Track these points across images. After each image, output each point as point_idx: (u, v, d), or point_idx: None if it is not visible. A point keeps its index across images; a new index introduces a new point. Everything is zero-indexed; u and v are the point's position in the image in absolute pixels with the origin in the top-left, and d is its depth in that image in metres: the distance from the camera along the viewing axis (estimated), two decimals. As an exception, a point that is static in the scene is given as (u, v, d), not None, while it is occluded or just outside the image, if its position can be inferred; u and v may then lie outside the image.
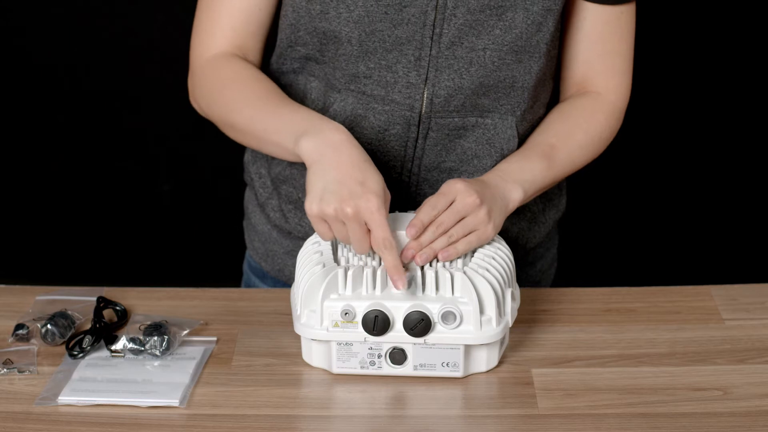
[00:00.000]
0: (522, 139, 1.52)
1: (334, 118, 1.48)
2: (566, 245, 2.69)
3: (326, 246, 1.38)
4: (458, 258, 1.35)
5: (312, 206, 1.31)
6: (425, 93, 1.45)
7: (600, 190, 2.65)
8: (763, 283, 1.55)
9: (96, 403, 1.29)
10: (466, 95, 1.46)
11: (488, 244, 1.38)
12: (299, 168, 1.55)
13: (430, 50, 1.43)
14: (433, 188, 1.51)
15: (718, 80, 2.55)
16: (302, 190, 1.56)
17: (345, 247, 1.39)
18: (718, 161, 2.63)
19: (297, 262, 1.39)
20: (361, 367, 1.33)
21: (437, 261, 1.34)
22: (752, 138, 2.61)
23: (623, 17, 1.50)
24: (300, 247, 1.43)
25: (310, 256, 1.37)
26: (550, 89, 1.55)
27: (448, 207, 1.35)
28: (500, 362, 1.37)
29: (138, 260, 2.62)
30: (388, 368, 1.33)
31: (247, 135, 1.46)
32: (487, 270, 1.34)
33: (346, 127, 1.41)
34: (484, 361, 1.35)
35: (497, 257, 1.37)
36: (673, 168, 2.64)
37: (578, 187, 2.64)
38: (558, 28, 1.49)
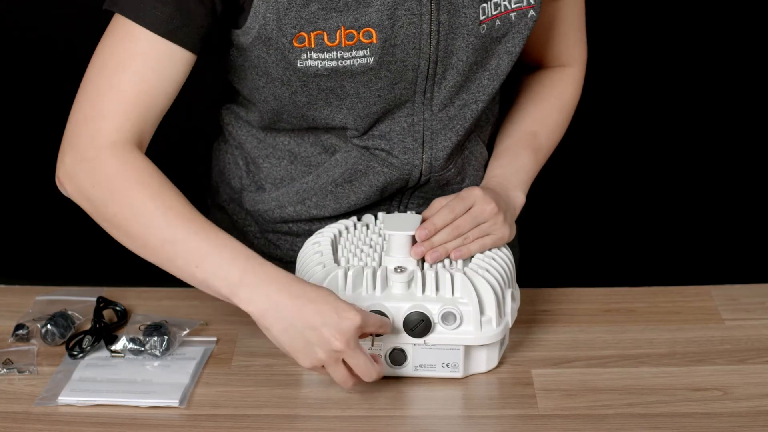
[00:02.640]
0: (484, 143, 1.55)
1: (333, 167, 1.46)
2: (566, 245, 2.69)
3: (326, 246, 1.38)
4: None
5: (305, 363, 1.25)
6: (423, 157, 1.45)
7: (600, 190, 2.65)
8: (763, 283, 1.55)
9: (96, 403, 1.29)
10: (462, 148, 1.48)
11: (488, 244, 1.39)
12: (296, 213, 1.51)
13: (423, 115, 1.42)
14: (424, 205, 1.50)
15: (718, 80, 2.55)
16: (292, 227, 1.53)
17: (345, 247, 1.39)
18: (718, 161, 2.62)
19: (297, 263, 1.39)
20: (361, 368, 1.33)
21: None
22: (752, 138, 2.60)
23: None
24: (288, 268, 1.43)
25: (310, 256, 1.37)
26: None
27: (466, 212, 1.37)
28: (500, 363, 1.37)
29: (138, 260, 2.61)
30: (388, 369, 1.33)
31: (152, 253, 1.31)
32: (487, 270, 1.34)
33: (344, 180, 1.43)
34: (484, 361, 1.35)
35: (497, 258, 1.37)
36: (673, 168, 2.64)
37: (578, 187, 2.64)
38: None
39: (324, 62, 1.33)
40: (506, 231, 1.39)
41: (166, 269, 1.29)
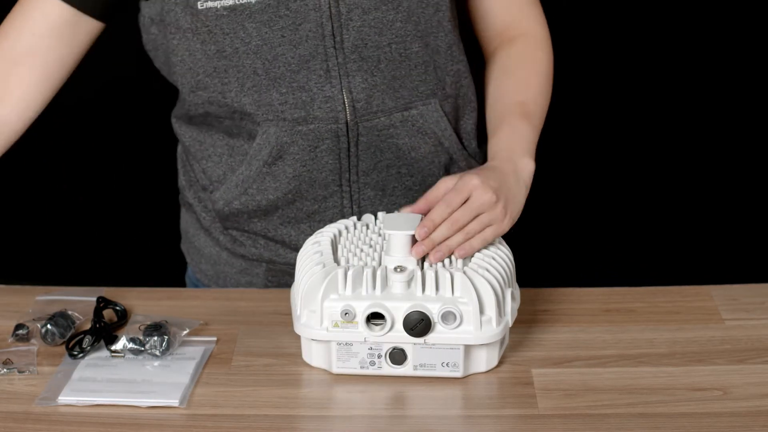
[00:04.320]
0: (449, 117, 1.53)
1: (259, 150, 1.48)
2: (566, 245, 2.69)
3: (326, 246, 1.38)
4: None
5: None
6: (345, 101, 1.45)
7: (600, 190, 2.65)
8: (763, 283, 1.55)
9: (96, 403, 1.29)
10: (383, 91, 1.46)
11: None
12: (242, 205, 1.53)
13: (337, 59, 1.43)
14: (375, 189, 1.51)
15: (717, 80, 2.55)
16: (248, 225, 1.54)
17: (345, 246, 1.39)
18: (718, 161, 2.63)
19: (297, 262, 1.39)
20: (361, 367, 1.33)
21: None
22: (752, 138, 2.61)
23: None
24: (254, 267, 1.42)
25: (310, 256, 1.37)
26: (463, 58, 1.55)
27: (464, 204, 1.36)
28: (500, 362, 1.37)
29: (138, 260, 2.62)
30: (388, 368, 1.33)
31: None
32: (487, 270, 1.34)
33: (274, 158, 1.44)
34: (484, 361, 1.35)
35: (497, 257, 1.37)
36: (673, 168, 2.64)
37: (578, 187, 2.65)
38: None
39: (222, 2, 1.37)
40: (506, 221, 1.38)
41: None
